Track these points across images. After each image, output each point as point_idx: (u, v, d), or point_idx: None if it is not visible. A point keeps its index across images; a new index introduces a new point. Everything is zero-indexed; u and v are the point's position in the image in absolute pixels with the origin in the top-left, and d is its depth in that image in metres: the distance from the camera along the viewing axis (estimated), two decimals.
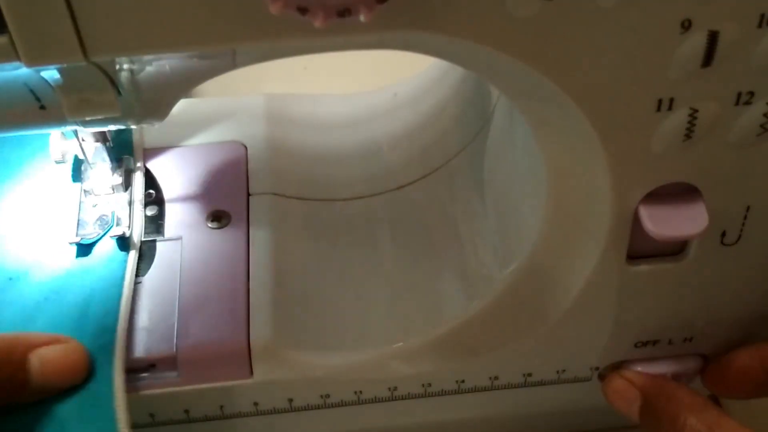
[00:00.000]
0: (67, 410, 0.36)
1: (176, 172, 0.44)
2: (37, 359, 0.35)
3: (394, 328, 0.41)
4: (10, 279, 0.40)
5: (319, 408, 0.41)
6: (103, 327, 0.37)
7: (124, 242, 0.41)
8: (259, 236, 0.42)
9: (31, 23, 0.25)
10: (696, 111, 0.30)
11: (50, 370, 0.35)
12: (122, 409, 0.36)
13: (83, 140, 0.40)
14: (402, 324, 0.41)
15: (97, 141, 0.40)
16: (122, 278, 0.39)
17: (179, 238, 0.42)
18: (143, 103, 0.32)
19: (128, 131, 0.44)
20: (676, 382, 0.38)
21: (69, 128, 0.37)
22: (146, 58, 0.31)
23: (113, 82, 0.30)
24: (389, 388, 0.41)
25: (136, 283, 0.40)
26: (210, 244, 0.41)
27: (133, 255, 0.40)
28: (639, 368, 0.40)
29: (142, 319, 0.39)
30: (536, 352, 0.40)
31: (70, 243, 0.40)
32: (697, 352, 0.41)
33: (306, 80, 0.63)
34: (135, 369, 0.38)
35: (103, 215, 0.41)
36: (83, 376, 0.36)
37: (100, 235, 0.41)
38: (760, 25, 0.27)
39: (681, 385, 0.38)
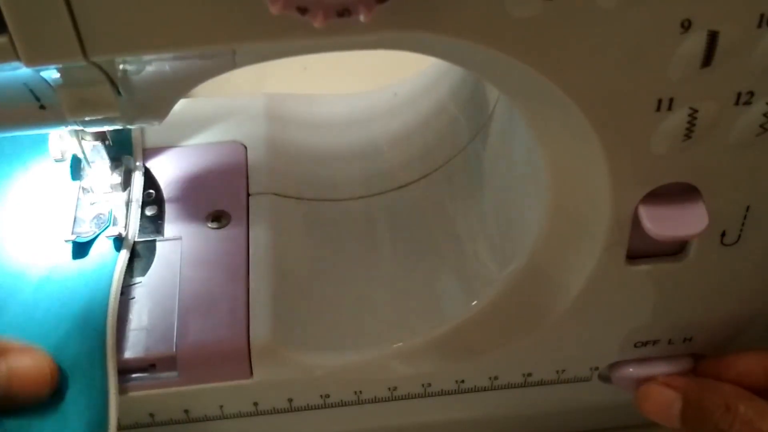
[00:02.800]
0: (61, 408, 0.36)
1: (176, 172, 0.44)
2: (4, 366, 0.35)
3: (394, 328, 0.41)
4: (7, 278, 0.40)
5: (319, 408, 0.41)
6: (92, 330, 0.37)
7: (119, 242, 0.41)
8: (259, 236, 0.42)
9: (31, 23, 0.25)
10: (696, 111, 0.30)
11: (16, 379, 0.35)
12: (114, 408, 0.36)
13: (83, 139, 0.40)
14: (402, 324, 0.41)
15: (96, 140, 0.40)
16: (111, 280, 0.39)
17: (179, 238, 0.42)
18: (143, 103, 0.32)
19: (128, 131, 0.44)
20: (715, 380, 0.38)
21: (69, 128, 0.37)
22: (146, 58, 0.31)
23: (113, 82, 0.30)
24: (389, 388, 0.41)
25: (136, 284, 0.40)
26: (210, 244, 0.41)
27: (123, 256, 0.40)
28: (631, 369, 0.40)
29: (142, 319, 0.39)
30: (536, 352, 0.40)
31: (66, 241, 0.40)
32: (697, 352, 0.41)
33: (306, 80, 0.63)
34: (135, 369, 0.38)
35: (100, 214, 0.41)
36: (47, 391, 0.36)
37: (95, 234, 0.41)
38: (759, 25, 0.27)
39: (722, 381, 0.37)
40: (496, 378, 0.41)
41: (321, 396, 0.40)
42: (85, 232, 0.41)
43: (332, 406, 0.41)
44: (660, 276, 0.36)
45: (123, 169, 0.43)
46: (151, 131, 0.45)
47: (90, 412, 0.36)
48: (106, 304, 0.38)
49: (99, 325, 0.37)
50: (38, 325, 0.38)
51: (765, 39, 0.28)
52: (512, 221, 0.39)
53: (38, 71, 0.30)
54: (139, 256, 0.41)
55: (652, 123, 0.30)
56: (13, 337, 0.36)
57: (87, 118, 0.32)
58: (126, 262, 0.40)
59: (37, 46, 0.26)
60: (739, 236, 0.34)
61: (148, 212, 0.43)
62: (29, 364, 0.35)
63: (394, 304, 0.42)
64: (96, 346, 0.37)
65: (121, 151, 0.43)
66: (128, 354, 0.38)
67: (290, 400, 0.40)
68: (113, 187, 0.42)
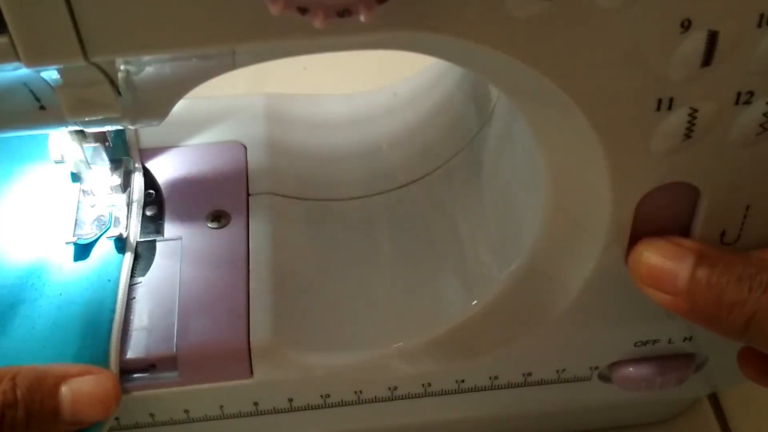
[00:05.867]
0: None
1: (176, 172, 0.44)
2: (68, 390, 0.34)
3: (394, 328, 0.41)
4: (9, 281, 0.40)
5: (319, 408, 0.41)
6: (95, 333, 0.37)
7: (121, 243, 0.41)
8: (259, 236, 0.42)
9: (31, 23, 0.25)
10: (696, 111, 0.30)
11: (81, 401, 0.34)
12: None
13: (82, 140, 0.40)
14: (402, 324, 0.41)
15: (96, 141, 0.40)
16: (117, 282, 0.39)
17: (179, 238, 0.42)
18: (143, 104, 0.32)
19: (123, 132, 0.44)
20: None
21: (69, 128, 0.37)
22: (146, 58, 0.31)
23: (113, 82, 0.30)
24: (389, 388, 0.41)
25: (136, 284, 0.40)
26: (210, 244, 0.41)
27: (128, 259, 0.40)
28: (631, 369, 0.40)
29: (142, 319, 0.39)
30: (536, 352, 0.40)
31: (67, 243, 0.40)
32: (696, 352, 0.41)
33: (306, 80, 0.63)
34: (135, 369, 0.38)
35: (101, 216, 0.41)
36: (114, 408, 0.36)
37: (97, 236, 0.41)
38: (759, 25, 0.28)
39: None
40: (496, 378, 0.41)
41: (321, 396, 0.40)
42: (87, 234, 0.41)
43: (332, 406, 0.41)
44: None
45: (123, 170, 0.43)
46: (151, 131, 0.45)
47: None
48: (111, 308, 0.38)
49: (103, 328, 0.37)
50: (40, 327, 0.38)
51: (765, 39, 0.28)
52: (512, 221, 0.39)
53: (38, 71, 0.30)
54: (139, 256, 0.41)
55: (652, 123, 0.30)
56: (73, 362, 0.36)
57: (87, 119, 0.32)
58: (131, 265, 0.40)
59: (37, 47, 0.26)
60: (739, 236, 0.34)
61: (148, 212, 0.43)
62: (92, 385, 0.35)
63: (395, 304, 0.42)
64: (99, 349, 0.37)
65: (121, 153, 0.43)
66: (128, 354, 0.38)
67: (290, 400, 0.40)
68: (113, 188, 0.42)
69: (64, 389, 0.34)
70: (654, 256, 0.32)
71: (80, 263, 0.40)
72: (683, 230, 0.34)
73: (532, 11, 0.27)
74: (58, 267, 0.40)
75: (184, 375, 0.38)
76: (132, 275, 0.40)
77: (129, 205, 0.42)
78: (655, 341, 0.40)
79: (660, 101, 0.29)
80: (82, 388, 0.35)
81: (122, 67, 0.31)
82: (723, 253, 0.31)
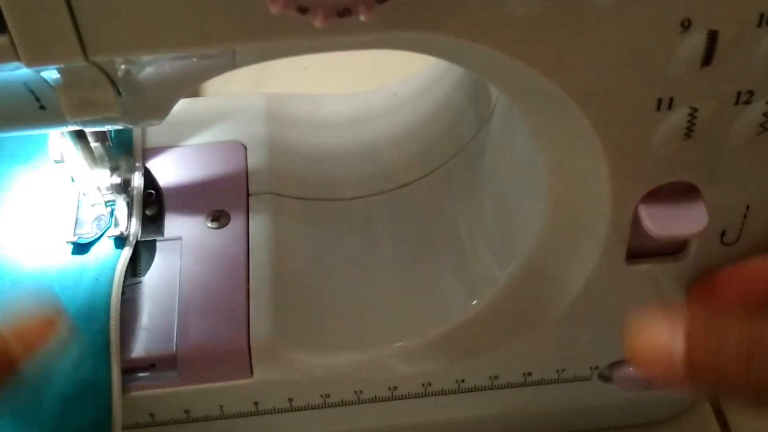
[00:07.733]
0: (65, 404, 0.36)
1: (176, 172, 0.44)
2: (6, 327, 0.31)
3: (394, 328, 0.41)
4: (9, 281, 0.40)
5: (319, 408, 0.41)
6: (95, 330, 0.37)
7: (121, 243, 0.41)
8: (259, 236, 0.42)
9: (31, 23, 0.25)
10: (696, 110, 0.30)
11: (23, 329, 0.32)
12: (118, 407, 0.37)
13: (83, 140, 0.40)
14: (402, 324, 0.41)
15: (97, 141, 0.40)
16: (112, 279, 0.39)
17: (179, 238, 0.42)
18: (143, 103, 0.32)
19: (128, 131, 0.44)
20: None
21: (69, 128, 0.37)
22: (146, 58, 0.31)
23: (113, 82, 0.30)
24: (389, 388, 0.41)
25: (136, 283, 0.40)
26: (210, 244, 0.41)
27: (125, 253, 0.40)
28: (631, 368, 0.40)
29: (142, 318, 0.39)
30: (536, 352, 0.40)
31: (67, 242, 0.40)
32: None
33: (306, 80, 0.63)
34: (135, 369, 0.38)
35: (101, 215, 0.42)
36: (59, 327, 0.33)
37: (97, 235, 0.41)
38: (759, 25, 0.28)
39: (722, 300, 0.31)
40: (496, 377, 0.41)
41: (321, 396, 0.40)
42: (87, 233, 0.41)
43: (332, 406, 0.41)
44: (660, 275, 0.36)
45: (123, 169, 0.43)
46: (151, 131, 0.45)
47: (94, 412, 0.36)
48: (108, 304, 0.38)
49: (102, 325, 0.38)
50: None
51: (765, 39, 0.28)
52: (512, 221, 0.39)
53: (38, 71, 0.30)
54: (140, 256, 0.41)
55: (652, 122, 0.30)
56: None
57: (87, 119, 0.32)
58: (127, 260, 0.40)
59: (37, 46, 0.26)
60: (739, 235, 0.34)
61: (148, 212, 0.43)
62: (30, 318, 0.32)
63: (394, 304, 0.42)
64: (99, 346, 0.37)
65: (122, 152, 0.43)
66: (128, 354, 0.38)
67: (290, 400, 0.40)
68: (114, 187, 0.42)
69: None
70: (644, 340, 0.30)
71: (80, 262, 0.40)
72: None
73: (532, 11, 0.27)
74: (59, 266, 0.40)
75: (184, 375, 0.38)
76: (132, 275, 0.40)
77: (129, 204, 0.42)
78: None
79: (660, 101, 0.29)
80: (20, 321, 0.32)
81: (122, 67, 0.31)
82: (713, 319, 0.29)
